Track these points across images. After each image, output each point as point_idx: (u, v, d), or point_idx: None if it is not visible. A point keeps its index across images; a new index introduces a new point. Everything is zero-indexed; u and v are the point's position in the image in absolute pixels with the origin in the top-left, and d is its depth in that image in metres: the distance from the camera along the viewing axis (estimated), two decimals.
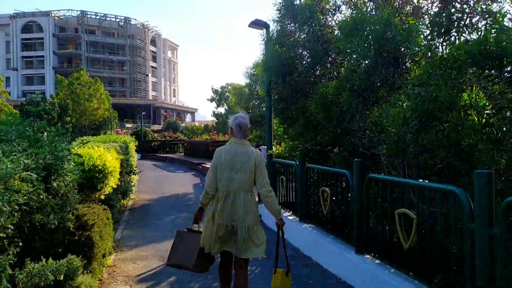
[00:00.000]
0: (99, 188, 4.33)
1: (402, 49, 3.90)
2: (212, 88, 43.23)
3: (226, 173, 2.96)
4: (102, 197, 4.99)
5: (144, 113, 60.88)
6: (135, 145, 10.04)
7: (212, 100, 43.58)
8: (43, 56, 67.15)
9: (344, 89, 4.37)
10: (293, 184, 5.68)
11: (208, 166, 16.38)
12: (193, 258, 2.94)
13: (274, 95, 6.21)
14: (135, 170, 8.54)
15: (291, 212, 5.91)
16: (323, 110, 4.62)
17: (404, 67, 4.10)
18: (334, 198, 4.50)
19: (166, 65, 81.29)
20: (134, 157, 9.80)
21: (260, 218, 3.37)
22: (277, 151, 6.21)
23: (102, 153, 4.58)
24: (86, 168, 4.18)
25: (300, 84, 5.40)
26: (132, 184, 8.93)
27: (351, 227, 4.15)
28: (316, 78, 5.46)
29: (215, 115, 44.22)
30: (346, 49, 4.38)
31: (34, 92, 62.72)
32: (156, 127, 54.65)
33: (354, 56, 4.35)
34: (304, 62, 5.64)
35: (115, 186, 5.07)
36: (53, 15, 67.81)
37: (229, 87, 42.51)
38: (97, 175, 4.28)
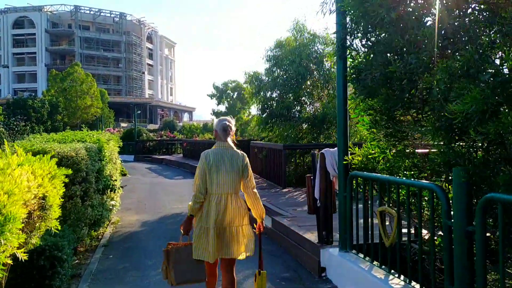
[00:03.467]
0: None
1: None
2: (214, 85, 41.02)
3: (216, 176, 2.98)
4: (32, 246, 2.30)
5: (139, 111, 59.37)
6: (119, 146, 7.30)
7: (212, 96, 41.33)
8: (35, 53, 65.56)
9: None
10: None
11: None
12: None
13: (355, 57, 3.30)
14: (114, 184, 5.82)
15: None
16: None
17: None
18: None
19: (163, 63, 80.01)
20: (117, 163, 7.06)
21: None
22: (359, 158, 3.50)
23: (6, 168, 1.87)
24: None
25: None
26: (112, 203, 6.22)
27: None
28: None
29: (215, 113, 42.05)
30: None
31: (26, 90, 62.44)
32: (152, 126, 52.57)
33: None
34: None
35: (54, 229, 2.40)
36: (45, 10, 66.91)
37: (232, 84, 40.32)
38: None
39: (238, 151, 3.11)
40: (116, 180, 6.41)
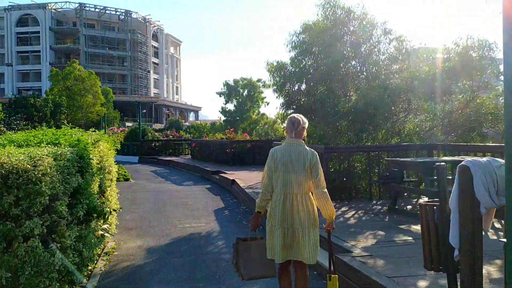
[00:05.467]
0: None
1: None
2: (224, 81, 39.33)
3: (282, 174, 2.91)
4: None
5: (144, 111, 58.05)
6: (115, 148, 5.51)
7: (221, 94, 39.67)
8: (39, 51, 64.86)
9: None
10: None
11: (229, 175, 12.02)
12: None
13: None
14: (106, 210, 3.98)
15: None
16: None
17: None
18: None
19: (168, 61, 79.11)
20: (112, 172, 5.25)
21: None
22: None
23: None
24: None
25: None
26: (105, 227, 4.43)
27: None
28: None
29: (223, 111, 40.33)
30: None
31: (30, 89, 61.77)
32: (158, 126, 51.07)
33: None
34: None
35: None
36: (49, 7, 66.74)
37: (243, 81, 38.66)
38: None
39: (308, 148, 2.99)
40: (109, 201, 4.62)
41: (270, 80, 9.43)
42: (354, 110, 7.91)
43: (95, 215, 3.64)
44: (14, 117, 31.26)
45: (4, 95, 57.72)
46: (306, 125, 3.07)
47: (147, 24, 71.49)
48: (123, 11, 68.85)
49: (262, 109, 41.74)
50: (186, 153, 23.42)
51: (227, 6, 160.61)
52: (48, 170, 2.66)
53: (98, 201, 4.08)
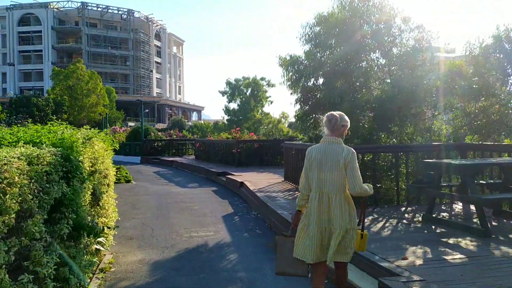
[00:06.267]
0: None
1: None
2: (227, 80, 38.65)
3: (316, 172, 2.87)
4: None
5: (147, 110, 57.48)
6: (113, 148, 4.81)
7: (224, 93, 39.03)
8: (41, 51, 64.38)
9: None
10: None
11: (236, 176, 11.18)
12: (304, 265, 2.91)
13: None
14: (98, 228, 3.24)
15: None
16: None
17: None
18: None
19: (171, 61, 78.66)
20: (109, 176, 4.54)
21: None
22: None
23: None
24: None
25: None
26: (101, 240, 3.73)
27: None
28: None
29: (227, 111, 39.69)
30: None
31: (32, 88, 61.48)
32: (161, 125, 50.44)
33: None
34: None
35: None
36: (52, 6, 66.55)
37: (246, 80, 38.03)
38: None
39: (345, 146, 2.88)
40: (105, 209, 3.91)
41: (283, 76, 8.69)
42: (377, 104, 7.18)
43: (84, 232, 2.93)
44: (15, 117, 30.79)
45: (6, 94, 57.38)
46: (347, 123, 2.94)
47: (150, 23, 71.07)
48: (126, 10, 68.62)
49: (266, 109, 41.10)
50: (190, 153, 22.74)
51: (227, 6, 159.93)
52: (16, 178, 1.96)
53: (91, 211, 3.39)
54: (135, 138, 24.57)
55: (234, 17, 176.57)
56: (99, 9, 66.66)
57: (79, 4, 65.76)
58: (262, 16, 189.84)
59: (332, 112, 2.97)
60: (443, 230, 4.72)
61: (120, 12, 68.38)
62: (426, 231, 4.74)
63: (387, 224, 5.13)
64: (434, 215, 5.18)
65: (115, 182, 12.08)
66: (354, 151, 2.86)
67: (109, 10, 67.64)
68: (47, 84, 60.94)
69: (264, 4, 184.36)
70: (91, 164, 3.58)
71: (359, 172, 2.84)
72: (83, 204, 3.11)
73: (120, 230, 6.09)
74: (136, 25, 67.88)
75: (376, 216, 5.58)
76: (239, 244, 5.48)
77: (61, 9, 66.73)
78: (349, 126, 2.98)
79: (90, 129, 4.62)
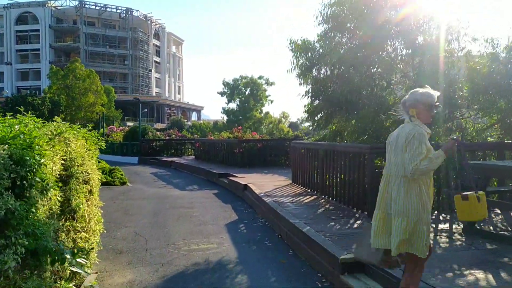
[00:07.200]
0: None
1: None
2: (224, 81, 37.90)
3: (388, 155, 2.77)
4: None
5: (146, 110, 56.66)
6: (99, 147, 4.01)
7: (223, 94, 38.33)
8: (38, 50, 63.69)
9: None
10: None
11: (239, 178, 9.92)
12: (379, 254, 2.67)
13: None
14: (67, 252, 2.44)
15: None
16: None
17: None
18: None
19: (170, 60, 77.93)
20: (93, 181, 3.73)
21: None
22: None
23: None
24: None
25: None
26: (81, 261, 2.91)
27: None
28: None
29: (225, 111, 39.00)
30: None
31: (29, 88, 60.74)
32: (160, 125, 49.65)
33: None
34: None
35: None
36: (49, 5, 66.20)
37: (244, 80, 37.30)
38: None
39: (412, 126, 2.57)
40: (85, 222, 3.11)
41: (292, 62, 7.83)
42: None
43: (47, 259, 2.14)
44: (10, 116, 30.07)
45: (1, 94, 56.57)
46: (416, 102, 2.57)
47: (149, 22, 70.40)
48: (124, 9, 67.96)
49: (266, 108, 40.36)
50: (189, 153, 21.93)
51: (226, 6, 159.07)
52: None
53: (62, 228, 2.58)
54: (132, 138, 23.75)
55: (233, 17, 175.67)
56: (97, 7, 65.97)
57: (77, 2, 65.31)
58: (261, 16, 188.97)
59: (413, 90, 2.68)
60: (494, 246, 3.92)
61: (118, 11, 67.72)
62: (473, 248, 3.93)
63: None
64: (478, 227, 4.38)
65: (109, 185, 11.39)
66: (418, 131, 2.52)
67: (107, 9, 67.01)
68: (44, 83, 60.19)
69: (263, 4, 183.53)
70: (62, 168, 2.78)
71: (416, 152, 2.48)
72: (46, 221, 2.31)
73: (109, 241, 5.30)
74: (135, 24, 67.27)
75: None
76: (247, 260, 4.67)
77: (59, 7, 66.28)
78: (426, 103, 2.56)
79: (83, 127, 3.83)
